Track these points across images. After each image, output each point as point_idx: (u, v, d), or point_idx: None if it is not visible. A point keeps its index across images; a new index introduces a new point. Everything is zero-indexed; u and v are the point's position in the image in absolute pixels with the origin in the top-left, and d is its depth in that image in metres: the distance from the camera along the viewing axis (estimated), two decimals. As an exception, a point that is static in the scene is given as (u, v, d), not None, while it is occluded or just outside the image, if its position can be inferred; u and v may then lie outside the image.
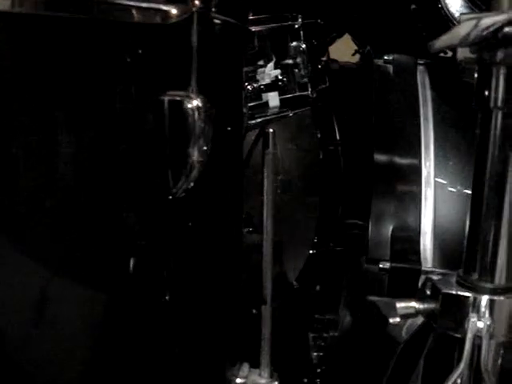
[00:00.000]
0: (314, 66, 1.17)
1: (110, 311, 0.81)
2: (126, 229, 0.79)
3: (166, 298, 0.81)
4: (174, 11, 0.74)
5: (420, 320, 0.97)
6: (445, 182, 1.21)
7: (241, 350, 0.98)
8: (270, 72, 1.06)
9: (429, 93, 1.29)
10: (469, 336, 0.84)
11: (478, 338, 0.84)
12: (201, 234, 0.85)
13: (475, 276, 0.86)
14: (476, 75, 0.84)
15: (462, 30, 0.79)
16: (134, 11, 0.73)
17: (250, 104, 1.03)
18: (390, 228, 1.19)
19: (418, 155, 1.22)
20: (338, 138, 1.35)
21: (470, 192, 0.88)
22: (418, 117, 1.26)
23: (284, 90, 1.10)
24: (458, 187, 1.20)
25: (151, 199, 0.79)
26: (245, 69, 0.97)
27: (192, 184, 0.78)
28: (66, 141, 0.75)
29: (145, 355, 0.82)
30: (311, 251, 1.28)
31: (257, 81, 1.05)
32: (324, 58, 1.31)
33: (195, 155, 0.77)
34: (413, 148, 1.23)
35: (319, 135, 1.29)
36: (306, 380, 1.35)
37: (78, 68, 0.74)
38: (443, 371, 0.87)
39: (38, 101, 0.74)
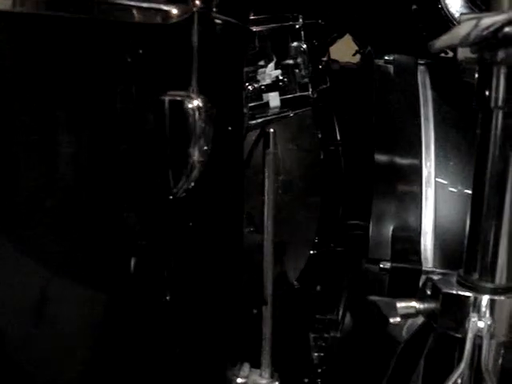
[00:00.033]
0: (314, 67, 1.17)
1: (110, 311, 0.81)
2: (126, 229, 0.79)
3: (167, 298, 0.81)
4: (174, 11, 0.74)
5: (420, 320, 0.96)
6: (445, 182, 1.21)
7: (242, 350, 0.98)
8: (270, 72, 1.06)
9: (429, 93, 1.29)
10: (469, 336, 0.84)
11: (478, 337, 0.84)
12: (201, 234, 0.85)
13: (476, 276, 0.86)
14: (476, 75, 0.84)
15: (462, 30, 0.79)
16: (134, 11, 0.73)
17: (250, 104, 1.03)
18: (391, 228, 1.19)
19: (418, 155, 1.22)
20: (338, 138, 1.35)
21: (470, 192, 0.88)
22: (419, 117, 1.26)
23: (285, 90, 1.10)
24: (459, 187, 1.20)
25: (152, 199, 0.79)
26: (245, 69, 0.97)
27: (193, 184, 0.78)
28: (66, 141, 0.75)
29: (146, 355, 0.82)
30: (312, 251, 1.28)
31: (257, 81, 1.05)
32: (325, 59, 1.31)
33: (196, 155, 0.77)
34: (413, 148, 1.23)
35: (320, 135, 1.29)
36: (306, 380, 1.35)
37: (78, 68, 0.74)
38: (444, 371, 0.87)
39: (38, 101, 0.74)
